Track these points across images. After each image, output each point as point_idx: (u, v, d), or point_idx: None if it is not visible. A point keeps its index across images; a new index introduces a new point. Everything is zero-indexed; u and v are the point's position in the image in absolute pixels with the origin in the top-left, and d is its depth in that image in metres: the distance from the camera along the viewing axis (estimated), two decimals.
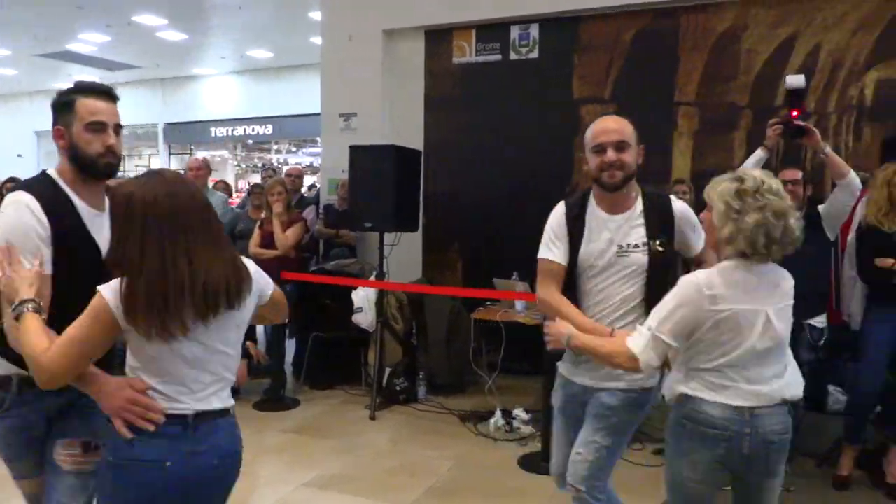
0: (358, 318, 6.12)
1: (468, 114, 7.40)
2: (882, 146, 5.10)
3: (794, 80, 4.01)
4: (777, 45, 6.30)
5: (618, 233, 2.67)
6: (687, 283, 2.31)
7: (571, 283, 2.74)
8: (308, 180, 17.45)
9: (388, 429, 5.48)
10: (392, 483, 4.41)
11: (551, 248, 2.76)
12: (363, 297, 6.11)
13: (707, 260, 2.67)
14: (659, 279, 2.62)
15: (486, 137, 7.30)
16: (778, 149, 4.30)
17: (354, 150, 6.50)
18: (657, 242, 2.65)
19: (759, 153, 4.14)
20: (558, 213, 2.80)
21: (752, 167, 4.15)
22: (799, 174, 4.40)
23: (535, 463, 4.65)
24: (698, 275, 2.33)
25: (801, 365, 2.50)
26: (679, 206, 2.77)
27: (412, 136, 7.47)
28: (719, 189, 2.32)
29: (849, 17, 6.08)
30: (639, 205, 2.70)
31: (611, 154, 2.62)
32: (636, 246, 2.65)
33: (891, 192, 4.13)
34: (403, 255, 6.86)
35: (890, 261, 3.99)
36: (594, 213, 2.73)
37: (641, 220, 2.68)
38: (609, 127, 2.67)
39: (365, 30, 7.62)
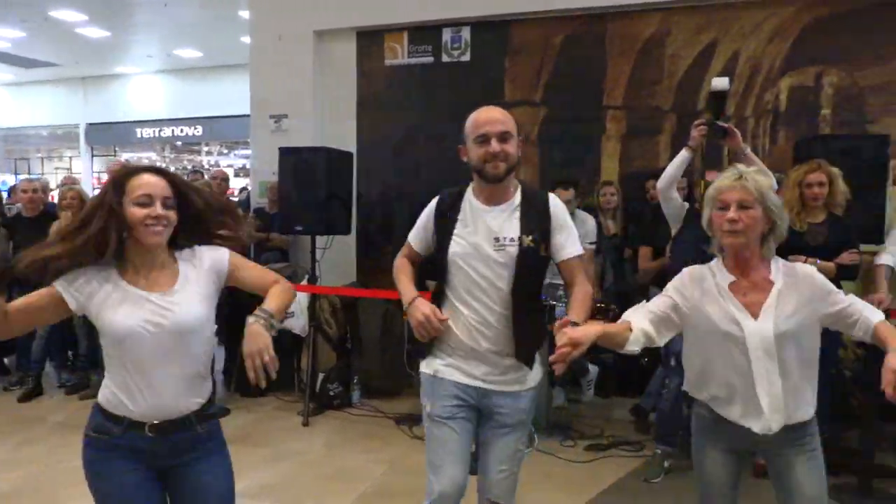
0: (290, 324, 6.02)
1: (401, 115, 7.38)
2: (794, 149, 5.34)
3: (719, 83, 4.15)
4: (699, 51, 6.51)
5: (495, 224, 2.61)
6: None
7: (443, 273, 2.67)
8: (242, 183, 17.10)
9: (322, 435, 5.41)
10: (325, 489, 4.35)
11: (415, 234, 2.81)
12: (294, 301, 5.99)
13: (576, 272, 2.65)
14: (527, 275, 2.58)
15: (420, 139, 7.30)
16: (701, 150, 4.43)
17: (285, 151, 6.39)
18: (529, 238, 2.58)
19: (683, 154, 4.26)
20: (431, 205, 2.77)
21: (678, 168, 4.29)
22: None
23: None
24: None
25: None
26: (557, 205, 2.68)
27: (344, 137, 7.41)
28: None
29: (764, 26, 6.34)
30: (517, 198, 2.65)
31: (495, 145, 2.55)
32: (511, 240, 2.58)
33: (802, 192, 4.32)
34: (336, 258, 6.78)
35: (801, 258, 4.17)
36: (471, 204, 2.67)
37: (518, 214, 2.62)
38: (493, 117, 2.60)
39: (295, 30, 7.51)
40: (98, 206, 2.12)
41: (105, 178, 6.07)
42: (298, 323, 6.04)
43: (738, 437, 2.42)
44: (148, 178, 2.15)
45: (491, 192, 2.64)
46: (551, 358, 2.20)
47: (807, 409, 2.38)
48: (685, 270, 2.51)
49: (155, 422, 2.14)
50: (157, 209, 2.12)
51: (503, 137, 2.57)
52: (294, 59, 7.48)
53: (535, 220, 2.61)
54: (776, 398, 2.31)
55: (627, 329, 2.39)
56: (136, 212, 2.11)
